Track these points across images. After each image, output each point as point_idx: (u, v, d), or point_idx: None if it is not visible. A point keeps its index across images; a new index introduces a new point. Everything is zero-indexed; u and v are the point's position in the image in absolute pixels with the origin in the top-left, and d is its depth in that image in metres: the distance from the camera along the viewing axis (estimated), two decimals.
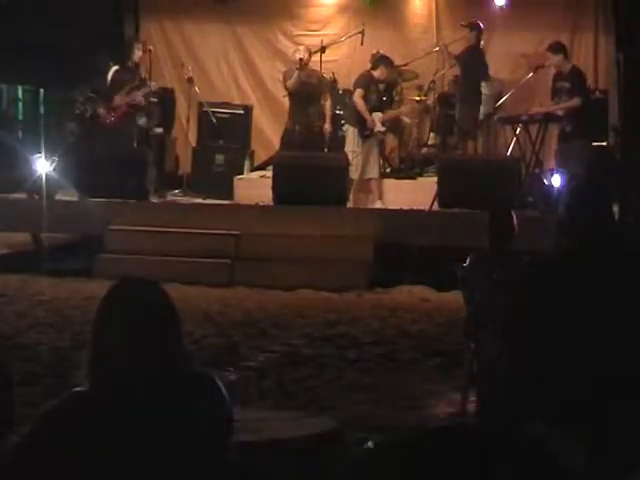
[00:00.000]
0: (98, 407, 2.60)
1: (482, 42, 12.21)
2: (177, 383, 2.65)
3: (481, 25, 12.14)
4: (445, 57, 12.66)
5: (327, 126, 12.17)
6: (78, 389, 2.66)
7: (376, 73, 11.97)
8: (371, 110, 11.89)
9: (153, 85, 12.33)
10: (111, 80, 12.24)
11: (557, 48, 11.46)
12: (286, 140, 12.27)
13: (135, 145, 12.05)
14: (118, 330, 2.64)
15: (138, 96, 12.09)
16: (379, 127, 11.92)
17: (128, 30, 14.11)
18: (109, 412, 2.59)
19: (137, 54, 12.28)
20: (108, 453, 2.56)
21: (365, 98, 11.91)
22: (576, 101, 11.21)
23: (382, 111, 12.06)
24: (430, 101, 12.71)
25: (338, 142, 12.39)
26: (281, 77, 12.61)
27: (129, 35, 13.62)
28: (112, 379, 2.62)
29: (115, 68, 12.29)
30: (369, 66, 12.15)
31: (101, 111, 12.21)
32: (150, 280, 2.77)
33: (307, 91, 12.17)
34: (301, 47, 12.52)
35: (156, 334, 2.65)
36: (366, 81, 11.97)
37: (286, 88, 12.34)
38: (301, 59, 12.14)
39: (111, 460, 2.57)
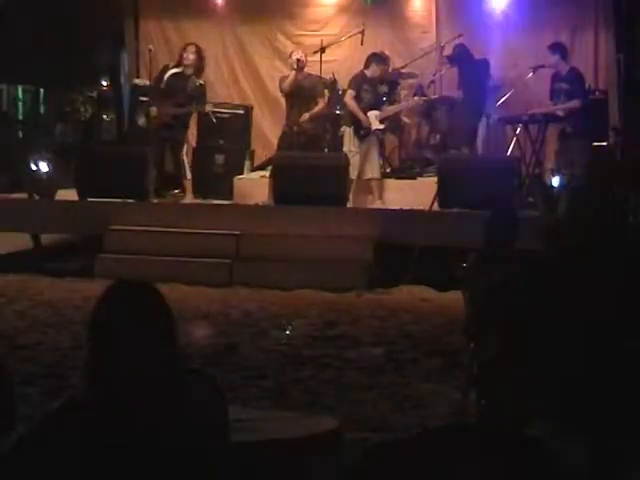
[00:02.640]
0: (96, 408, 2.60)
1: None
2: (173, 383, 2.65)
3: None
4: (439, 57, 12.68)
5: (307, 122, 12.21)
6: (76, 390, 2.66)
7: (369, 72, 11.96)
8: (366, 109, 11.87)
9: (208, 108, 12.15)
10: (165, 85, 11.98)
11: (555, 48, 11.47)
12: (283, 144, 12.27)
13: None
14: (113, 331, 2.64)
15: (189, 110, 11.99)
16: (376, 125, 11.89)
17: (128, 30, 14.11)
18: (107, 413, 2.59)
19: (190, 58, 11.96)
20: (107, 453, 2.57)
21: (358, 98, 11.90)
22: (575, 102, 11.22)
23: (380, 109, 12.05)
24: (430, 101, 12.70)
25: (337, 142, 12.39)
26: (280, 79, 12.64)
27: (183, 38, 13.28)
28: (109, 380, 2.62)
29: (172, 72, 12.03)
30: None
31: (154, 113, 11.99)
32: (144, 281, 2.77)
33: (303, 93, 12.18)
34: (299, 50, 12.55)
35: (151, 335, 2.65)
36: (357, 81, 11.96)
37: (282, 91, 12.37)
38: (299, 59, 12.16)
39: (110, 460, 2.57)
